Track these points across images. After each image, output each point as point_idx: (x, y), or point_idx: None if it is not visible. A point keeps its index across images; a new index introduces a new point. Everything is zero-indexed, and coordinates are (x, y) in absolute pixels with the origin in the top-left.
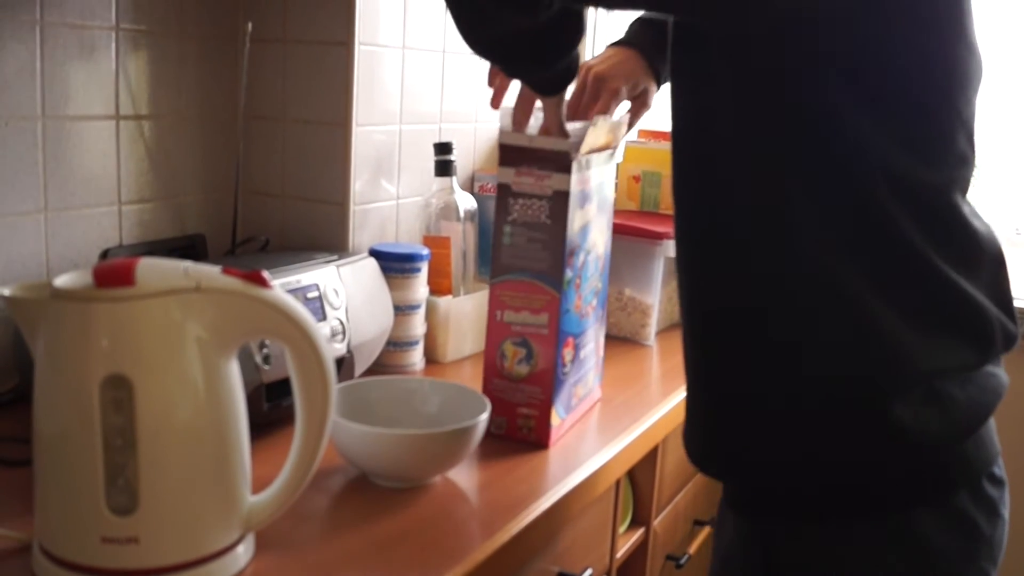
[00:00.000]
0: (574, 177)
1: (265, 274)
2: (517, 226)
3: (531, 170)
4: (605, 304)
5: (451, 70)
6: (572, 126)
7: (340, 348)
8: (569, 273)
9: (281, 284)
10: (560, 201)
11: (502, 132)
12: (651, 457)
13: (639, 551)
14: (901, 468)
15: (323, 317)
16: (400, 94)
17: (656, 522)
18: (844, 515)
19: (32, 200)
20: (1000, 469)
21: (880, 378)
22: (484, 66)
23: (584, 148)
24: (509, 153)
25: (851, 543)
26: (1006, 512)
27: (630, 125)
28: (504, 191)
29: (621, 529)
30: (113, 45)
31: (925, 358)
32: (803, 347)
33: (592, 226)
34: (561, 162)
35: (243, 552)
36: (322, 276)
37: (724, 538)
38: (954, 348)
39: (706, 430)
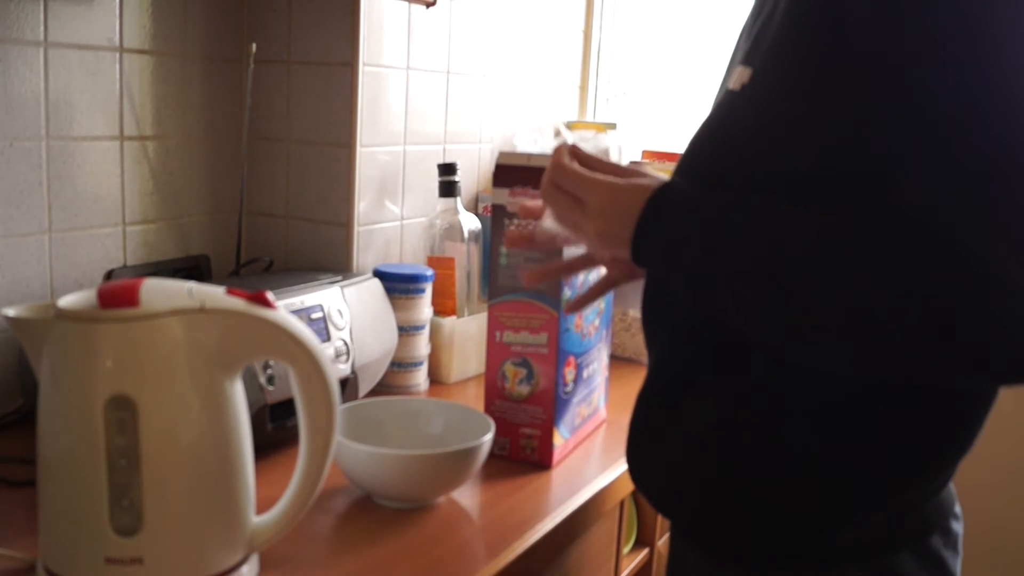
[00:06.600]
0: None
1: (269, 295)
2: None
3: (525, 190)
4: (610, 324)
5: (455, 91)
6: (570, 139)
7: (344, 369)
8: (568, 292)
9: (285, 305)
10: None
11: (500, 153)
12: None
13: (643, 572)
14: (888, 519)
15: (327, 338)
16: (404, 115)
17: (660, 543)
18: (834, 563)
19: (36, 221)
20: (958, 506)
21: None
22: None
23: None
24: (503, 173)
25: None
26: (960, 545)
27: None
28: (499, 212)
29: (625, 550)
30: (117, 66)
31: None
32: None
33: None
34: None
35: (247, 573)
36: (326, 297)
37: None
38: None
39: (695, 485)
